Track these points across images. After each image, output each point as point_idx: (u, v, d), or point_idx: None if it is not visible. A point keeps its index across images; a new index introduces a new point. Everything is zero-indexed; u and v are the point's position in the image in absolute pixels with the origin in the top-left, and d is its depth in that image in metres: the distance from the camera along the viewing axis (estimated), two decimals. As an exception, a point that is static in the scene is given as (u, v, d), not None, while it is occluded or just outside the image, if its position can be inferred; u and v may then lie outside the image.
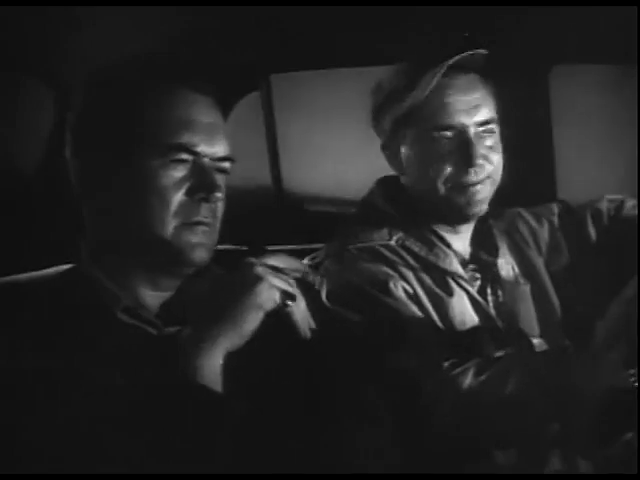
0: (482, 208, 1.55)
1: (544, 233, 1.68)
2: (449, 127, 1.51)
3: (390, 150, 1.60)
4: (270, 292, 1.11)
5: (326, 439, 1.12)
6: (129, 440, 0.99)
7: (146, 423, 1.00)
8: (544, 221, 1.70)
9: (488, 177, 1.53)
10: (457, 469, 1.30)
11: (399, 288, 1.49)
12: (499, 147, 1.55)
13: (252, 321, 1.09)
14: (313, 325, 1.15)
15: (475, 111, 1.52)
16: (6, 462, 1.00)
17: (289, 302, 1.12)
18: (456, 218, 1.57)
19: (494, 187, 1.56)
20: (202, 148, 1.16)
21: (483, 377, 1.41)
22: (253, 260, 1.13)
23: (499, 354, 1.49)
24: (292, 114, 2.45)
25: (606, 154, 2.25)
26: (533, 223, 1.69)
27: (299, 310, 1.14)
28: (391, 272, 1.50)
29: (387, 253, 1.53)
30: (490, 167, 1.53)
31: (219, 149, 1.19)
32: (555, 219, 1.70)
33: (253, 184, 2.42)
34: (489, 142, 1.53)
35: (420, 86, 1.50)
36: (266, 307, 1.10)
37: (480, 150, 1.51)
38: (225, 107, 1.23)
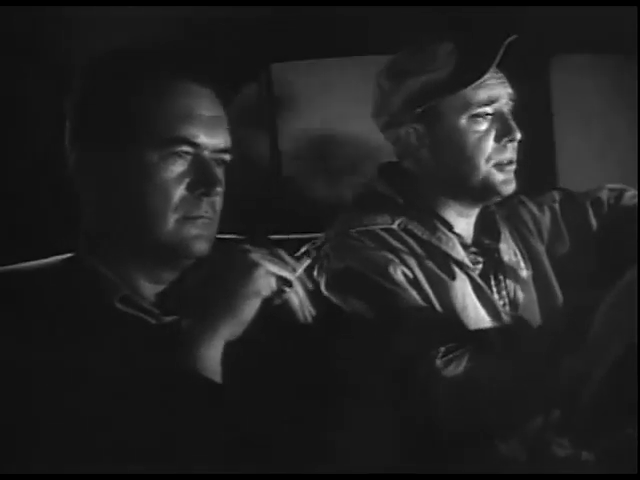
0: (514, 186, 1.53)
1: (546, 220, 1.68)
2: (490, 101, 1.48)
3: (396, 133, 1.55)
4: (267, 278, 1.10)
5: (326, 427, 1.12)
6: (127, 428, 0.99)
7: (144, 412, 1.00)
8: (546, 208, 1.69)
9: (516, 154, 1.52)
10: (458, 455, 1.29)
11: (398, 272, 1.47)
12: None
13: (250, 308, 1.09)
14: (313, 311, 1.14)
15: (506, 85, 1.51)
16: (4, 445, 1.01)
17: (286, 288, 1.12)
18: (482, 198, 1.55)
19: None
20: (203, 140, 1.15)
21: (477, 362, 1.39)
22: (248, 247, 1.13)
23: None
24: (292, 103, 2.45)
25: (607, 144, 2.25)
26: (535, 210, 1.69)
27: (298, 295, 1.13)
28: (391, 257, 1.48)
29: (388, 237, 1.51)
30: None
31: (220, 141, 1.18)
32: (557, 206, 1.69)
33: (253, 174, 2.42)
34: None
35: (484, 64, 1.46)
36: (263, 294, 1.10)
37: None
38: (225, 98, 1.22)
